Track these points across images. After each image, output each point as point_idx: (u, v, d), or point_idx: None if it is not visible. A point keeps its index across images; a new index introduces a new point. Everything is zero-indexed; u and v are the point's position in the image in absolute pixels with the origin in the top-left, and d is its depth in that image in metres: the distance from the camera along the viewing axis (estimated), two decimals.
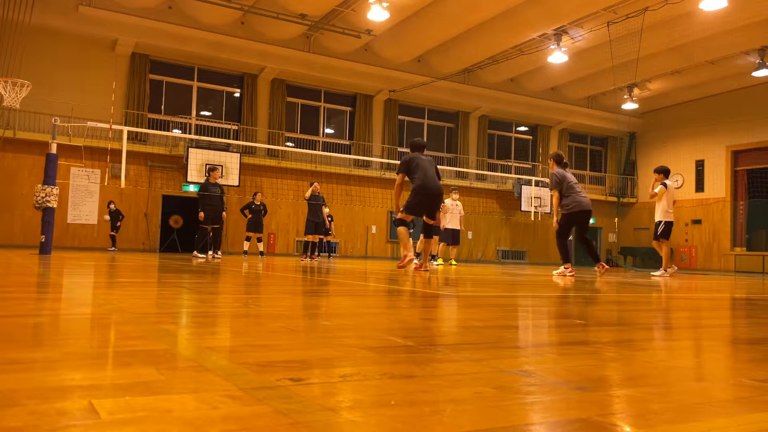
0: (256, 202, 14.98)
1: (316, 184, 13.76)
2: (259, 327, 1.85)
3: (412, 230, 8.68)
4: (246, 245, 15.13)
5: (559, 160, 8.49)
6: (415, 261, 10.07)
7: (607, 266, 8.42)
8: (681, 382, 1.23)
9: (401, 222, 7.42)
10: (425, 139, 23.23)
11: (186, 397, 0.93)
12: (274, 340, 1.57)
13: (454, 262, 13.46)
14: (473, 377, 1.17)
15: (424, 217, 7.58)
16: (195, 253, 11.59)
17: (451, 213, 13.12)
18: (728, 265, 22.63)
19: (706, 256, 23.75)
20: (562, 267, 8.25)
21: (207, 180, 11.86)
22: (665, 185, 9.93)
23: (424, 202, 7.33)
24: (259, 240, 15.24)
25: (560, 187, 8.26)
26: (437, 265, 11.66)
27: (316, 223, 13.40)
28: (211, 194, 11.68)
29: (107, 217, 16.66)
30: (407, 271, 7.51)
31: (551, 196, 8.36)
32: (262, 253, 15.53)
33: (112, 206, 16.52)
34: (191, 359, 1.27)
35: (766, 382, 1.23)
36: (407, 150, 8.26)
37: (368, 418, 0.86)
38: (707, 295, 4.93)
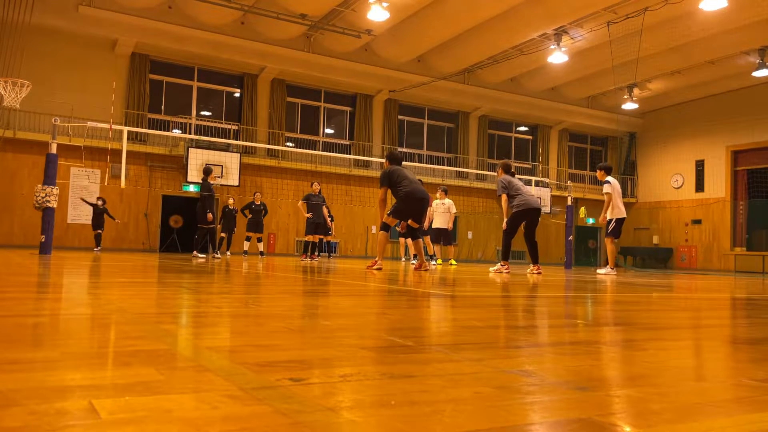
0: (256, 202, 15.00)
1: (316, 183, 13.77)
2: (259, 327, 1.85)
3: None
4: (246, 245, 15.14)
5: (507, 169, 9.00)
6: (413, 262, 10.09)
7: (540, 270, 8.76)
8: (681, 382, 1.23)
9: (385, 227, 7.56)
10: (425, 139, 23.42)
11: (186, 397, 0.93)
12: (274, 340, 1.57)
13: (453, 262, 13.44)
14: (473, 377, 1.17)
15: (410, 221, 7.73)
16: (195, 253, 11.60)
17: (437, 212, 13.06)
18: (728, 265, 22.63)
19: (706, 256, 23.76)
20: (499, 264, 8.64)
21: (207, 180, 11.78)
22: (608, 182, 10.14)
23: (414, 208, 7.51)
24: (259, 240, 15.24)
25: (506, 190, 8.72)
26: (435, 265, 11.66)
27: (316, 223, 13.42)
28: (212, 194, 11.68)
29: (90, 203, 15.82)
30: (408, 271, 7.52)
31: (499, 198, 8.92)
32: (262, 253, 15.54)
33: (99, 202, 15.80)
34: (191, 359, 1.27)
35: (766, 382, 1.23)
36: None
37: (368, 418, 0.86)
38: (707, 295, 4.93)
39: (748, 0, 15.71)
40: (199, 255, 11.40)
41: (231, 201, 15.46)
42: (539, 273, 8.50)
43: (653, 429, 0.85)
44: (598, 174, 10.41)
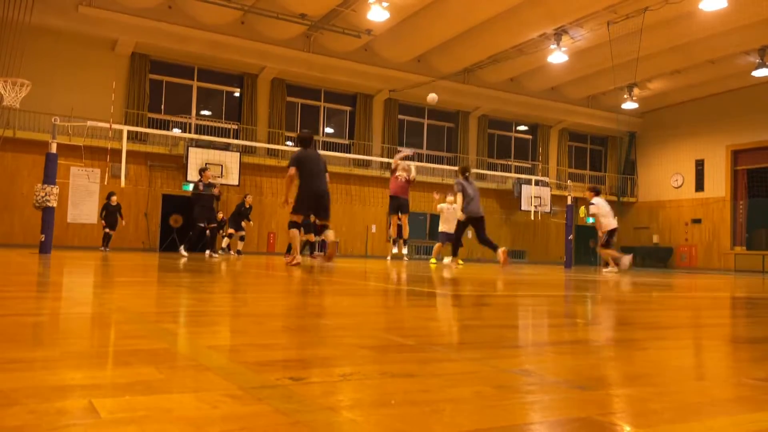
0: (246, 205, 15.35)
1: None
2: (259, 326, 1.84)
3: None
4: (225, 242, 15.53)
5: (462, 172, 10.03)
6: (406, 257, 10.23)
7: (508, 256, 9.65)
8: (681, 382, 1.23)
9: (293, 224, 7.73)
10: (425, 139, 23.40)
11: (186, 397, 0.93)
12: (274, 340, 1.57)
13: (459, 262, 13.40)
14: (473, 377, 1.17)
15: (314, 219, 7.90)
16: (180, 250, 11.73)
17: (448, 216, 12.98)
18: (728, 264, 22.64)
19: (706, 256, 23.76)
20: (450, 258, 9.71)
21: (200, 181, 11.98)
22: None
23: (309, 204, 7.76)
24: (242, 239, 15.51)
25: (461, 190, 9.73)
26: (434, 265, 11.63)
27: (314, 224, 13.44)
28: (201, 194, 11.76)
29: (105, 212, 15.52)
30: (407, 270, 7.52)
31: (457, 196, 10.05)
32: (239, 252, 15.52)
33: (113, 198, 15.37)
34: (191, 358, 1.27)
35: (766, 381, 1.23)
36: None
37: (368, 417, 0.86)
38: (707, 294, 4.93)
39: (748, 0, 15.70)
40: (214, 254, 11.60)
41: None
42: (507, 260, 9.23)
43: (653, 429, 0.85)
44: (590, 195, 11.24)
